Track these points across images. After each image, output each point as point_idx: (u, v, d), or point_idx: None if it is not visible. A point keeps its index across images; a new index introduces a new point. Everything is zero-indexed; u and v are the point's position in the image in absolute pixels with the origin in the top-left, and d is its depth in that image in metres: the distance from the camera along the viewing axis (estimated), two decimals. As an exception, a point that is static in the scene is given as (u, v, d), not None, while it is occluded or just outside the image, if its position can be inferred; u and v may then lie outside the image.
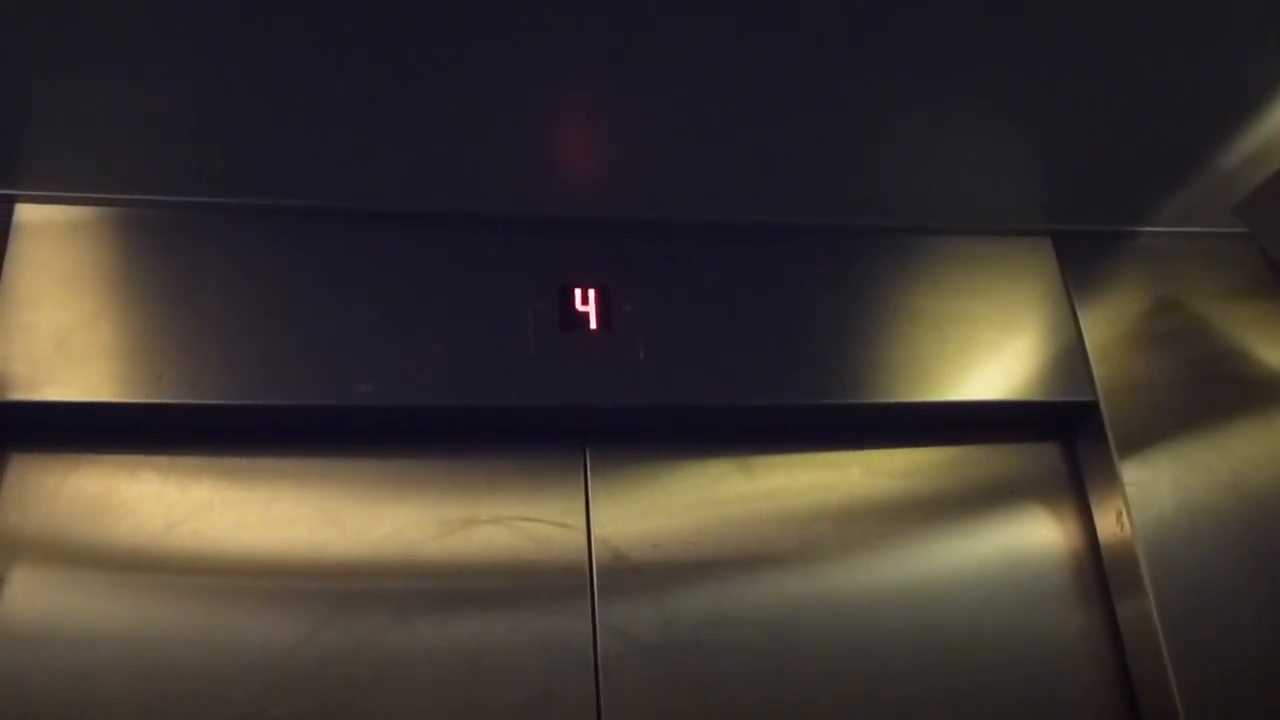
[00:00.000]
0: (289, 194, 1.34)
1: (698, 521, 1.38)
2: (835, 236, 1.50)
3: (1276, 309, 1.56)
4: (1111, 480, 1.43)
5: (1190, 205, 1.51)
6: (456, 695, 1.23)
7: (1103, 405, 1.46)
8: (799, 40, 1.12)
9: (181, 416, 1.26)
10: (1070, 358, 1.48)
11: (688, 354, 1.38)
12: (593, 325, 1.38)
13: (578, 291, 1.40)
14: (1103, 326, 1.51)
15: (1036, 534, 1.47)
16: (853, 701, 1.32)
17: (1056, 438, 1.53)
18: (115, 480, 1.26)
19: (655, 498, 1.39)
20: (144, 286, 1.29)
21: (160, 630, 1.20)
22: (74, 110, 1.16)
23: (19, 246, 1.28)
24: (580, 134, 1.30)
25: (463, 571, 1.30)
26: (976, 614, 1.39)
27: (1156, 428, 1.45)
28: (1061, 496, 1.49)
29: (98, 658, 1.17)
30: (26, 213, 1.30)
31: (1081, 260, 1.55)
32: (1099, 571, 1.44)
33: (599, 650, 1.28)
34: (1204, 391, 1.48)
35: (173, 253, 1.31)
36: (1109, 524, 1.44)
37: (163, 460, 1.28)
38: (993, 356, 1.47)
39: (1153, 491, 1.41)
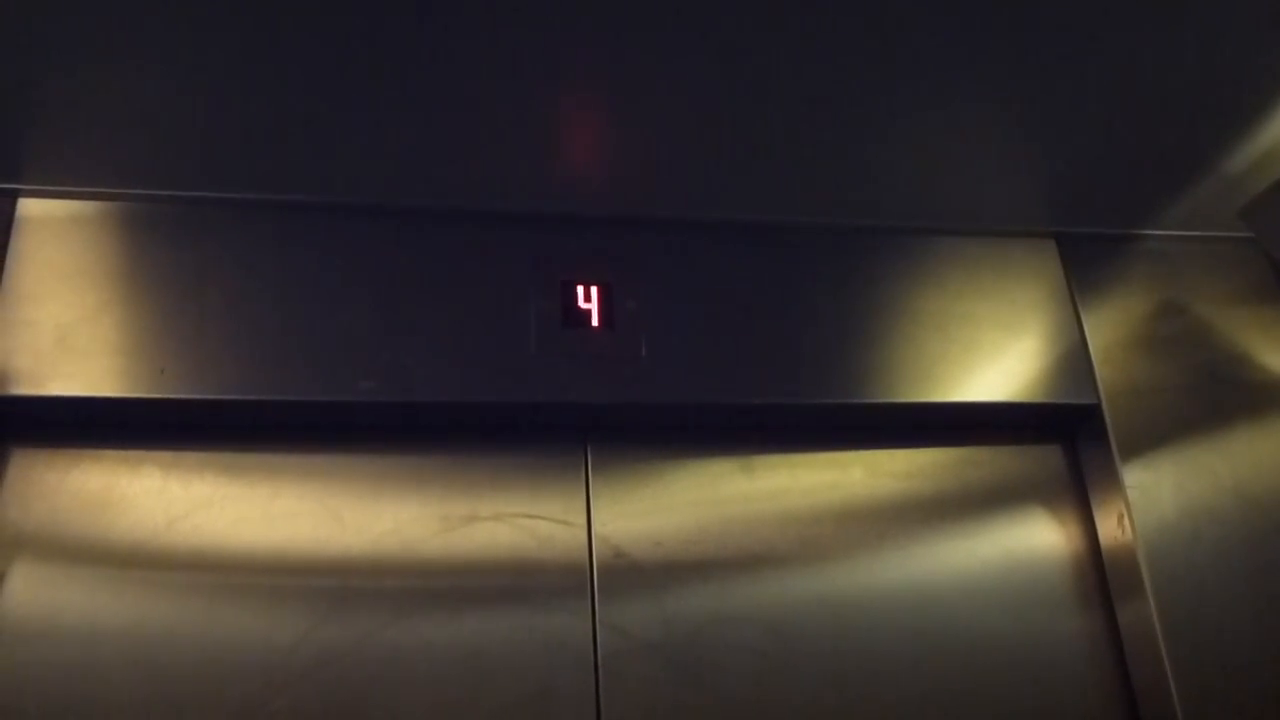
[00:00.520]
0: (291, 189, 1.34)
1: (699, 520, 1.38)
2: (839, 236, 1.49)
3: (1280, 313, 1.56)
4: (1113, 483, 1.43)
5: (1195, 209, 1.51)
6: (456, 692, 1.23)
7: (1105, 408, 1.45)
8: (805, 40, 1.12)
9: (183, 412, 1.26)
10: (1073, 360, 1.48)
11: (690, 352, 1.38)
12: (595, 323, 1.38)
13: (580, 289, 1.39)
14: (1106, 329, 1.51)
15: (1038, 536, 1.47)
16: (852, 701, 1.32)
17: (1058, 440, 1.53)
18: (117, 475, 1.26)
19: (657, 496, 1.39)
20: (146, 281, 1.28)
21: (161, 625, 1.20)
22: (77, 104, 1.16)
23: (21, 241, 1.28)
24: (584, 131, 1.30)
25: (463, 568, 1.30)
26: (976, 615, 1.39)
27: (1159, 431, 1.45)
28: (1063, 499, 1.49)
29: (98, 653, 1.17)
30: (29, 207, 1.30)
31: (1086, 263, 1.55)
32: (1100, 574, 1.44)
33: (599, 648, 1.28)
34: (1207, 395, 1.48)
35: (175, 248, 1.31)
36: (1110, 527, 1.44)
37: (164, 456, 1.28)
38: (996, 358, 1.47)
39: (1154, 495, 1.40)
